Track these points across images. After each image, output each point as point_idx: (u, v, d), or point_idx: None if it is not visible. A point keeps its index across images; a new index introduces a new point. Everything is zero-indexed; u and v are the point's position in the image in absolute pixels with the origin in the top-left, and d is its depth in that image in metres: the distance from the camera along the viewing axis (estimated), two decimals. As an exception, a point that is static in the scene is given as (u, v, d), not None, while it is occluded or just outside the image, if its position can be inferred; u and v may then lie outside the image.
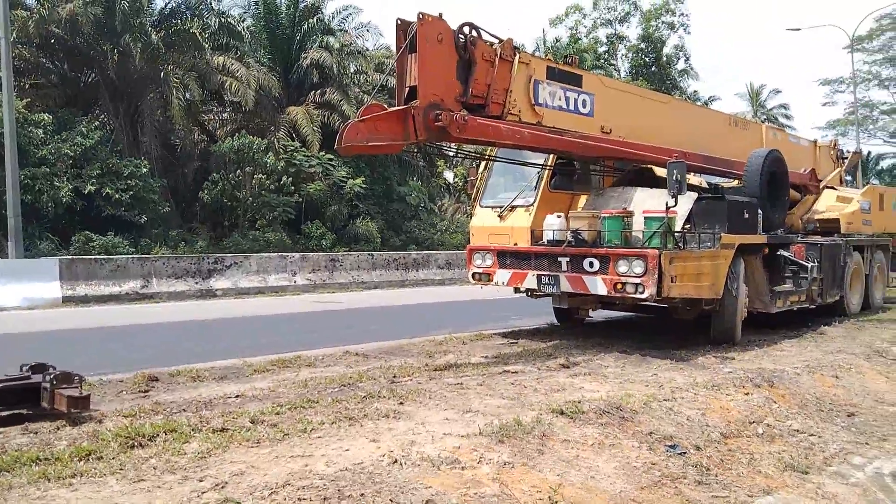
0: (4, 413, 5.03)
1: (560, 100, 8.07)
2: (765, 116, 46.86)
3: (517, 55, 7.56)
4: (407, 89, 6.93)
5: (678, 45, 39.46)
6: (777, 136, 12.77)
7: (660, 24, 38.58)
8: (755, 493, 4.64)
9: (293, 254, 19.15)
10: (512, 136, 7.51)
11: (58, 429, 4.77)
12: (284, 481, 3.66)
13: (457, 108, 6.97)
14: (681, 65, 39.81)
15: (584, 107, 8.35)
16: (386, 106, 7.12)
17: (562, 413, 5.10)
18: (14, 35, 19.45)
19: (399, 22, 6.93)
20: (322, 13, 29.39)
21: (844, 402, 6.80)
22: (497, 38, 7.46)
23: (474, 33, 7.24)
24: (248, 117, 27.03)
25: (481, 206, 9.74)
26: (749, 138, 11.31)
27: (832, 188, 13.17)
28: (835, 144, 14.96)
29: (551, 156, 9.18)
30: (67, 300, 14.04)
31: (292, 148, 25.54)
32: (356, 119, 6.74)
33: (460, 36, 7.09)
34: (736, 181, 10.68)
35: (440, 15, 6.94)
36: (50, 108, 21.98)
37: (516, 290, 9.41)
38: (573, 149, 8.32)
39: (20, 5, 22.26)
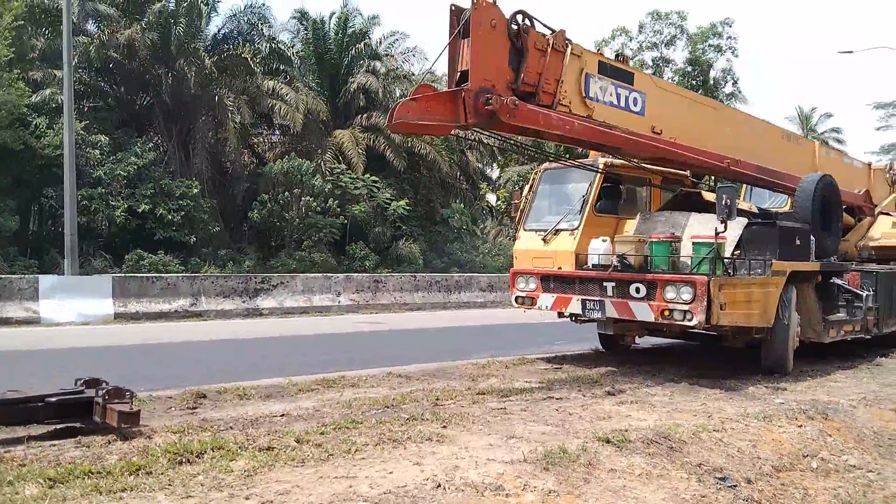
0: (59, 426, 5.17)
1: (611, 96, 7.99)
2: (816, 140, 45.79)
3: (569, 47, 7.50)
4: (458, 74, 6.91)
5: (726, 69, 38.83)
6: (830, 154, 12.47)
7: (707, 47, 38.14)
8: (810, 531, 4.48)
9: (338, 274, 19.34)
10: (562, 126, 7.43)
11: (109, 443, 4.88)
12: (329, 502, 3.66)
13: (507, 93, 6.91)
14: (728, 88, 39.12)
15: (635, 105, 8.25)
16: (437, 88, 7.12)
17: (608, 441, 5.01)
18: (76, 60, 20.23)
19: (453, 8, 6.92)
20: (369, 39, 29.90)
21: (904, 438, 6.54)
22: (550, 28, 7.43)
23: (527, 22, 7.21)
24: (296, 140, 27.55)
25: (525, 230, 9.69)
26: (801, 154, 11.06)
27: (888, 214, 12.77)
28: (891, 167, 14.51)
29: (601, 162, 9.10)
30: (119, 316, 14.40)
31: (338, 170, 25.92)
32: (408, 98, 6.78)
33: (513, 24, 7.09)
34: (788, 199, 10.41)
35: (494, 1, 6.94)
36: (106, 129, 22.75)
37: (560, 314, 9.32)
38: (624, 145, 8.21)
39: (81, 32, 23.20)
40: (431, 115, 6.69)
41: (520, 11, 7.17)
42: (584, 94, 7.68)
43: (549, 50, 7.32)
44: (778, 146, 10.62)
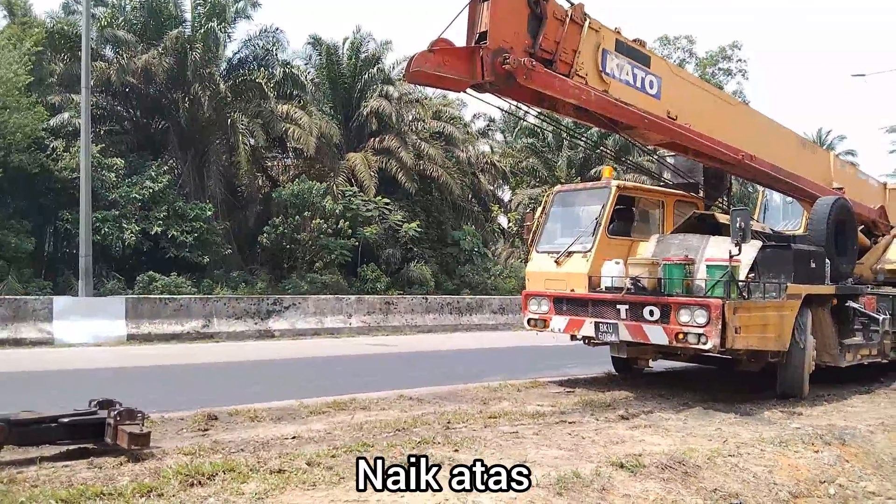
0: (71, 447, 5.17)
1: (628, 74, 7.89)
2: (831, 152, 45.52)
3: (587, 20, 7.46)
4: (477, 35, 6.87)
5: (736, 91, 38.99)
6: (845, 168, 12.26)
7: (716, 71, 38.38)
8: (829, 559, 4.39)
9: (349, 296, 19.35)
10: (578, 95, 7.36)
11: (121, 464, 4.87)
12: (340, 526, 3.63)
13: (524, 57, 6.86)
14: (740, 110, 39.30)
15: (651, 87, 8.13)
16: (455, 43, 7.11)
17: (622, 466, 4.96)
18: (93, 84, 20.53)
19: None
20: (382, 63, 30.15)
21: (924, 465, 6.42)
22: (569, 1, 7.41)
23: None
24: (309, 163, 27.74)
25: (537, 252, 9.65)
26: (817, 163, 10.87)
27: (904, 237, 12.61)
28: None
29: (614, 185, 9.07)
30: (132, 338, 14.46)
31: (350, 193, 26.06)
32: (426, 49, 6.71)
33: None
34: (802, 221, 10.28)
35: None
36: (122, 152, 23.03)
37: (573, 337, 9.26)
38: (639, 123, 8.10)
39: (100, 57, 23.56)
40: (448, 69, 6.63)
41: None
42: (600, 69, 7.60)
43: (568, 20, 7.29)
44: (794, 151, 10.44)
